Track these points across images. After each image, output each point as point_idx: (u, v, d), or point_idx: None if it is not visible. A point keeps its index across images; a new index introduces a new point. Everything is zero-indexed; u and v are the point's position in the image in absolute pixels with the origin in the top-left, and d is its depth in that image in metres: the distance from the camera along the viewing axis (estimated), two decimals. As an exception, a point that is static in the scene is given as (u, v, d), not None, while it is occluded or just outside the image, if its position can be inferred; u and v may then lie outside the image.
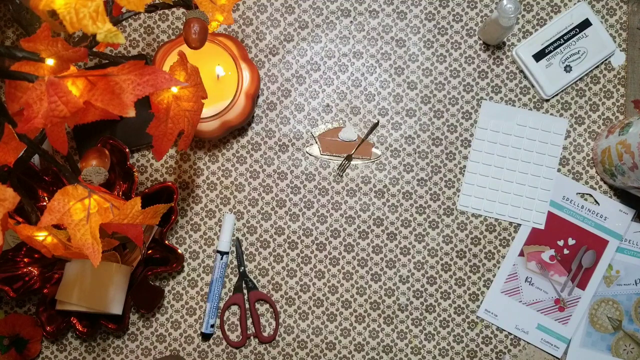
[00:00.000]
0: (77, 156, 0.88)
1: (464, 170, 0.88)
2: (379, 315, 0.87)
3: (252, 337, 0.86)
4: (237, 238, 0.87)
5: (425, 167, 0.88)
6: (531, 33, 0.89)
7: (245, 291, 0.87)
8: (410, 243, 0.87)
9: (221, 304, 0.87)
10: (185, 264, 0.87)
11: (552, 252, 0.87)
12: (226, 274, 0.87)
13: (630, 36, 0.89)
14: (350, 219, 0.88)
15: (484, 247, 0.87)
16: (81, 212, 0.57)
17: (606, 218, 0.87)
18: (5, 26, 0.89)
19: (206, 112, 0.78)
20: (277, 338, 0.86)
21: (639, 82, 0.89)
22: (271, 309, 0.87)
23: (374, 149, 0.88)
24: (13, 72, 0.49)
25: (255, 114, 0.89)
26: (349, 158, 0.88)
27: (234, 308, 0.87)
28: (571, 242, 0.87)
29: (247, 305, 0.87)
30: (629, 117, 0.85)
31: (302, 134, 0.88)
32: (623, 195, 0.88)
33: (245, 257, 0.87)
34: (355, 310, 0.87)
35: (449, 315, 0.87)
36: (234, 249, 0.87)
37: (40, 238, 0.60)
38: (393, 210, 0.88)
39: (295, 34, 0.89)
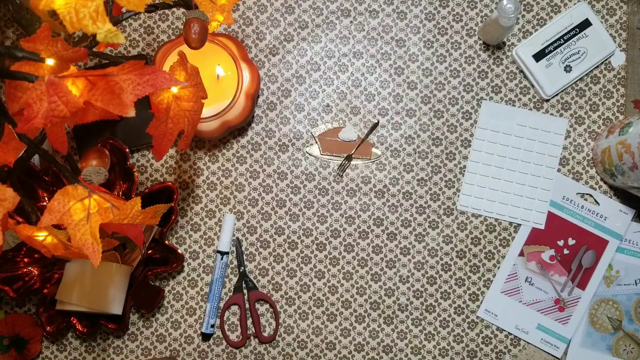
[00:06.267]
0: (77, 156, 0.88)
1: (464, 170, 0.88)
2: (379, 315, 0.87)
3: (252, 337, 0.86)
4: (237, 238, 0.87)
5: (425, 167, 0.88)
6: (531, 33, 0.89)
7: (245, 291, 0.87)
8: (410, 243, 0.87)
9: (221, 304, 0.87)
10: (185, 264, 0.87)
11: (552, 252, 0.87)
12: (226, 274, 0.87)
13: (630, 36, 0.89)
14: (350, 219, 0.88)
15: (484, 247, 0.87)
16: (81, 212, 0.57)
17: (606, 218, 0.87)
18: (5, 26, 0.89)
19: (206, 112, 0.78)
20: (277, 338, 0.86)
21: (639, 82, 0.89)
22: (271, 309, 0.87)
23: (374, 149, 0.88)
24: (13, 72, 0.49)
25: (255, 114, 0.89)
26: (349, 158, 0.88)
27: (234, 308, 0.87)
28: (571, 242, 0.87)
29: (247, 305, 0.87)
30: (629, 117, 0.85)
31: (302, 134, 0.88)
32: (623, 195, 0.88)
33: (245, 257, 0.87)
34: (355, 310, 0.87)
35: (449, 315, 0.87)
36: (234, 249, 0.87)
37: (40, 238, 0.60)
38: (393, 210, 0.88)
39: (295, 34, 0.89)
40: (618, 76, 0.89)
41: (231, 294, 0.87)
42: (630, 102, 0.89)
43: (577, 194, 0.87)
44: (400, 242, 0.87)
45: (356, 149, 0.88)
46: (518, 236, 0.87)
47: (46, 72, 0.51)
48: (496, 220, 0.88)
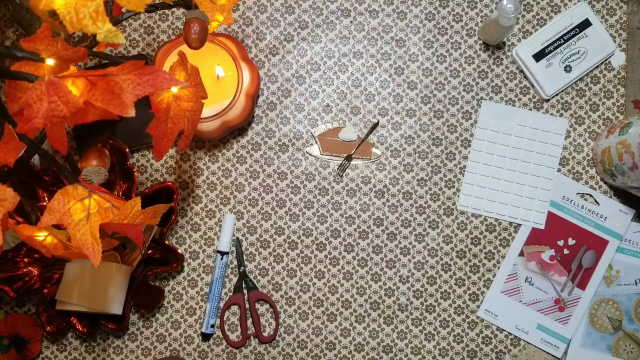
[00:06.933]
0: (77, 156, 0.88)
1: (464, 170, 0.88)
2: (379, 315, 0.87)
3: (252, 337, 0.86)
4: (237, 238, 0.87)
5: (425, 167, 0.88)
6: (531, 33, 0.89)
7: (245, 291, 0.87)
8: (410, 243, 0.87)
9: (221, 304, 0.87)
10: (185, 264, 0.87)
11: (552, 252, 0.87)
12: (226, 274, 0.87)
13: (630, 36, 0.89)
14: (350, 219, 0.88)
15: (484, 247, 0.87)
16: (81, 212, 0.57)
17: (606, 218, 0.87)
18: (5, 26, 0.89)
19: (206, 112, 0.78)
20: (277, 338, 0.86)
21: (639, 82, 0.89)
22: (271, 309, 0.87)
23: (374, 149, 0.88)
24: (13, 72, 0.49)
25: (255, 114, 0.89)
26: (349, 158, 0.88)
27: (234, 308, 0.87)
28: (571, 242, 0.87)
29: (247, 305, 0.87)
30: (629, 117, 0.85)
31: (302, 134, 0.88)
32: (623, 195, 0.88)
33: (245, 257, 0.87)
34: (355, 310, 0.87)
35: (449, 315, 0.87)
36: (234, 249, 0.87)
37: (40, 238, 0.60)
38: (393, 210, 0.88)
39: (295, 34, 0.89)
40: (618, 76, 0.89)
41: (231, 294, 0.87)
42: (630, 102, 0.89)
43: (577, 194, 0.87)
44: (400, 242, 0.87)
45: (356, 149, 0.88)
46: (518, 236, 0.87)
47: (46, 72, 0.51)
48: (496, 220, 0.88)
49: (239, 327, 0.87)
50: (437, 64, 0.89)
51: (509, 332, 0.86)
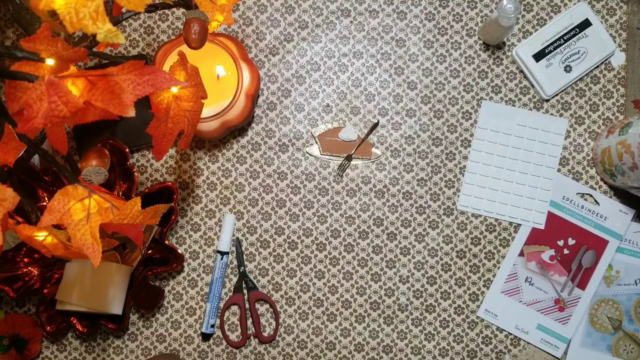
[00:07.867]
0: (77, 156, 0.88)
1: (464, 170, 0.88)
2: (379, 315, 0.87)
3: (252, 337, 0.86)
4: (237, 238, 0.87)
5: (425, 167, 0.88)
6: (531, 33, 0.89)
7: (245, 291, 0.87)
8: (410, 243, 0.87)
9: (221, 304, 0.87)
10: (185, 264, 0.87)
11: (552, 252, 0.87)
12: (226, 274, 0.87)
13: (630, 36, 0.89)
14: (350, 219, 0.88)
15: (484, 247, 0.87)
16: (81, 212, 0.57)
17: (606, 218, 0.87)
18: (5, 26, 0.89)
19: (206, 112, 0.79)
20: (277, 338, 0.86)
21: (639, 82, 0.89)
22: (271, 309, 0.87)
23: (374, 149, 0.88)
24: (13, 72, 0.49)
25: (255, 114, 0.89)
26: (349, 158, 0.88)
27: (234, 308, 0.87)
28: (571, 242, 0.87)
29: (247, 305, 0.87)
30: (629, 117, 0.85)
31: (302, 134, 0.88)
32: (623, 195, 0.88)
33: (245, 257, 0.87)
34: (355, 310, 0.87)
35: (449, 315, 0.87)
36: (234, 249, 0.87)
37: (40, 238, 0.60)
38: (393, 210, 0.88)
39: (295, 34, 0.89)
40: (618, 76, 0.89)
41: (231, 294, 0.87)
42: (630, 102, 0.89)
43: (577, 194, 0.87)
44: (400, 242, 0.87)
45: (356, 149, 0.88)
46: (518, 236, 0.87)
47: (46, 72, 0.51)
48: (496, 220, 0.88)
49: (239, 327, 0.87)
50: (437, 64, 0.89)
51: (509, 332, 0.86)
